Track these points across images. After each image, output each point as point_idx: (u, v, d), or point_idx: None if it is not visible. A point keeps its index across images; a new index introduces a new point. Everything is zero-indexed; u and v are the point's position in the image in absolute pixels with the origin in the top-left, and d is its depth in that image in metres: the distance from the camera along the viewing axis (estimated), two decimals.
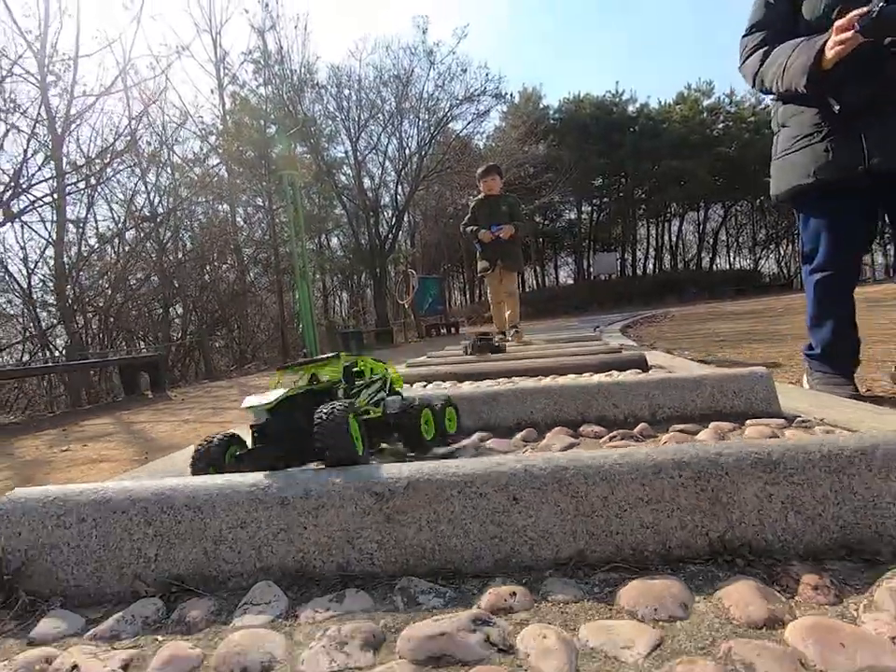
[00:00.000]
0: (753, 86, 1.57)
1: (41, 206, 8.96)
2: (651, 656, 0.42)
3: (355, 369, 0.97)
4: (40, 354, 9.43)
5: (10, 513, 0.65)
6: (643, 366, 2.01)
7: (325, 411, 0.73)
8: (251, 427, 0.82)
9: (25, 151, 8.55)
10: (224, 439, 0.82)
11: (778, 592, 0.49)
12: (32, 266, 9.91)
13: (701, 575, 0.53)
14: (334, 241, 19.86)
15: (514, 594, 0.52)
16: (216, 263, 12.72)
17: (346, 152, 16.80)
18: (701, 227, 31.27)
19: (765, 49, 1.49)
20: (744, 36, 1.57)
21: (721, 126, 26.92)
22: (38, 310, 9.72)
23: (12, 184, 8.42)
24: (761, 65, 1.50)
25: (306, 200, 14.44)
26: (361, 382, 0.97)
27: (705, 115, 27.10)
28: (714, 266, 31.86)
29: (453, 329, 12.99)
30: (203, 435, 1.13)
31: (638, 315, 11.80)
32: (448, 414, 1.09)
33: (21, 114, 8.28)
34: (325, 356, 0.95)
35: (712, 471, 0.58)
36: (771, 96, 1.63)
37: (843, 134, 1.39)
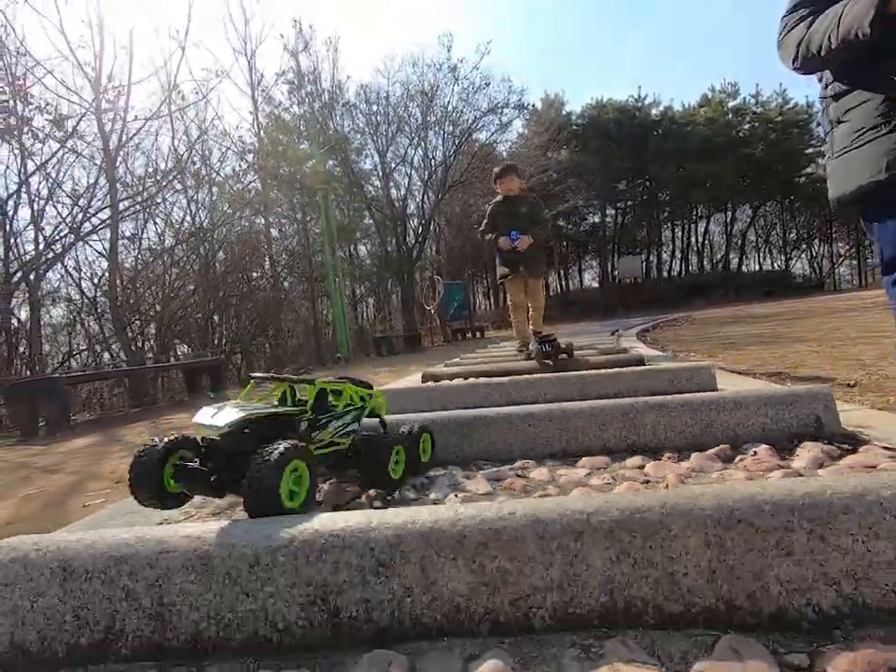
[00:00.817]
0: (794, 59, 1.36)
1: (102, 227, 9.98)
2: (587, 476, 0.99)
3: (334, 390, 0.95)
4: (95, 360, 10.38)
5: None
6: (641, 363, 2.55)
7: (259, 459, 0.70)
8: (201, 440, 0.80)
9: (97, 179, 9.61)
10: (161, 449, 0.80)
11: (651, 459, 1.06)
12: (97, 280, 10.99)
13: (620, 456, 1.10)
14: (362, 249, 20.65)
15: (529, 462, 1.10)
16: (253, 274, 13.67)
17: (375, 165, 17.58)
18: (728, 228, 30.89)
19: (812, 18, 1.33)
20: (785, 16, 1.41)
21: (746, 127, 26.65)
22: (102, 320, 10.73)
23: (80, 209, 9.48)
24: (807, 31, 1.33)
25: (337, 212, 15.20)
26: (335, 410, 0.96)
27: (730, 116, 26.89)
28: (743, 267, 31.38)
29: (478, 334, 13.44)
30: None
31: (660, 319, 12.08)
32: (424, 442, 1.11)
33: (88, 144, 9.29)
34: (307, 377, 0.95)
35: (630, 411, 1.15)
36: (817, 75, 1.45)
37: None
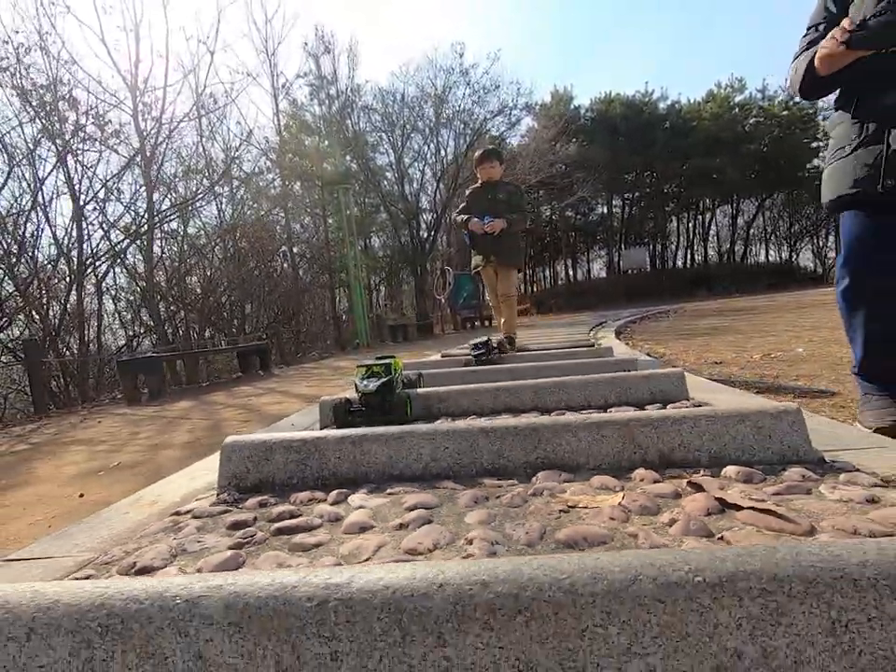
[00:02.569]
0: (791, 88, 1.53)
1: (148, 230, 11.33)
2: None
3: (392, 365, 1.62)
4: (154, 343, 11.79)
5: None
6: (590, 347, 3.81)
7: (393, 397, 1.51)
8: (360, 397, 1.54)
9: (151, 186, 10.96)
10: (343, 401, 1.55)
11: None
12: (144, 274, 12.40)
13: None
14: (376, 241, 21.73)
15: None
16: (277, 266, 15.01)
17: (390, 162, 18.66)
18: (733, 221, 31.47)
19: (806, 51, 1.45)
20: (802, 38, 1.52)
21: (752, 122, 27.12)
22: (150, 309, 12.15)
23: (128, 211, 10.89)
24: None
25: (355, 208, 16.33)
26: (397, 372, 1.64)
27: (736, 111, 27.34)
28: (747, 259, 31.93)
29: (486, 322, 14.42)
30: (326, 392, 2.32)
31: (652, 311, 12.88)
32: (422, 381, 2.00)
33: (143, 153, 10.59)
34: (381, 359, 1.62)
35: (543, 368, 2.43)
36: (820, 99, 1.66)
37: (866, 148, 1.35)
